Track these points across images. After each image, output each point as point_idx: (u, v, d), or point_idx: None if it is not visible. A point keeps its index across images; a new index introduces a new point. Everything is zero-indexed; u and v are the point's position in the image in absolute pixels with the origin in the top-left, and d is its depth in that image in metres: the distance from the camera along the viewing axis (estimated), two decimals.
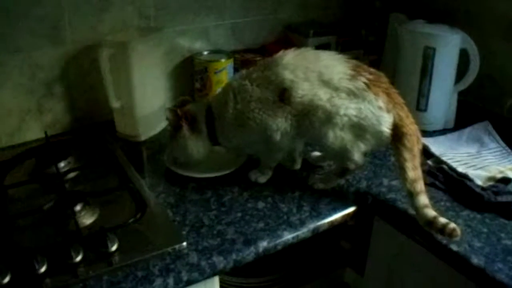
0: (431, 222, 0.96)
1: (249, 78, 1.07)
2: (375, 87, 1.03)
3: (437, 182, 1.15)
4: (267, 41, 1.65)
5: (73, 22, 1.28)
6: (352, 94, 1.02)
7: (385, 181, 1.16)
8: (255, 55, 1.56)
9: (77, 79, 1.35)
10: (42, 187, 1.13)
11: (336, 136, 1.04)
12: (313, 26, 1.64)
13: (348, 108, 1.02)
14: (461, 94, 1.43)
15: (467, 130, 1.39)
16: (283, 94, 1.04)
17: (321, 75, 1.03)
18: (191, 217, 1.02)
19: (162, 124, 1.39)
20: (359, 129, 1.03)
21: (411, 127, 1.05)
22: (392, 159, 1.22)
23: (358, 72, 1.04)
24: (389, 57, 1.65)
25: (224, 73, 1.46)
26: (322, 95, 1.03)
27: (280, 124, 1.05)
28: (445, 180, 1.15)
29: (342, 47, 1.67)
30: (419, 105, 1.40)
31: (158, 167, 1.21)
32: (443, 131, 1.42)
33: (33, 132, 1.32)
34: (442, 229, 0.94)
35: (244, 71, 1.11)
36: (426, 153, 1.25)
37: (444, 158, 1.24)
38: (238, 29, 1.58)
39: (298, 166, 1.21)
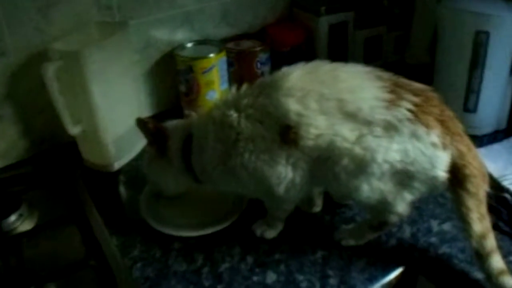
0: None
1: (237, 106, 0.77)
2: (424, 115, 0.73)
3: (500, 223, 0.87)
4: (268, 22, 1.36)
5: (13, 24, 1.00)
6: (393, 129, 0.72)
7: (434, 224, 0.89)
8: (254, 43, 1.26)
9: (29, 96, 1.07)
10: None
11: (373, 188, 0.74)
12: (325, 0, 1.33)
13: (389, 151, 0.72)
14: None
15: None
16: (287, 133, 0.74)
17: (343, 104, 0.73)
18: None
19: (140, 145, 1.10)
20: (405, 176, 0.74)
21: (475, 165, 0.75)
22: None
23: (398, 94, 0.74)
24: (419, 34, 1.37)
25: (214, 72, 1.16)
26: (348, 134, 0.72)
27: (283, 175, 0.76)
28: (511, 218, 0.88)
29: (361, 24, 1.35)
30: (467, 104, 1.11)
31: (134, 213, 0.93)
32: (493, 134, 1.15)
33: None
34: None
35: (230, 94, 0.81)
36: None
37: (505, 183, 0.96)
38: (230, 9, 1.27)
39: (318, 208, 0.93)
